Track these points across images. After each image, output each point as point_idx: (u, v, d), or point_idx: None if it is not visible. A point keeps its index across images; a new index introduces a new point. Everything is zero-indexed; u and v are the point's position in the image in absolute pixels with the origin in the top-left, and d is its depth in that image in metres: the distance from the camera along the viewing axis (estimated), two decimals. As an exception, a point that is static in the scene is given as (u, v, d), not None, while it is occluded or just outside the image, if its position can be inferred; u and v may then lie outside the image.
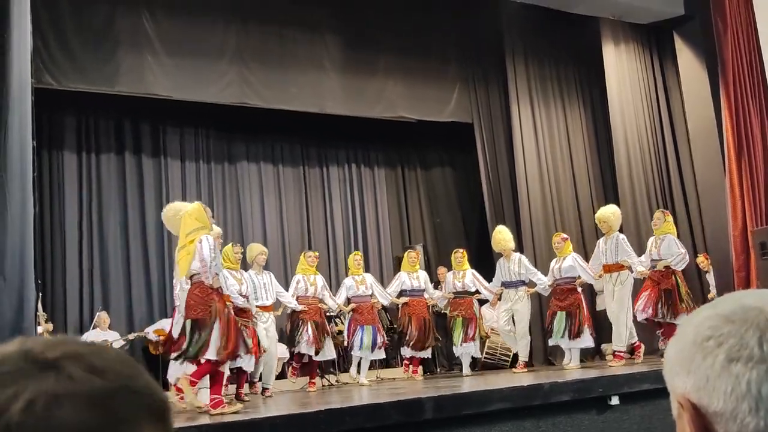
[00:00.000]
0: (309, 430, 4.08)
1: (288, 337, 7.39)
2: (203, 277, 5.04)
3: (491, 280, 8.14)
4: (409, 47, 9.61)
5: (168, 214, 5.64)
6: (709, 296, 8.80)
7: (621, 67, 9.92)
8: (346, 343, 7.84)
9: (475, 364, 8.53)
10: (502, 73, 9.99)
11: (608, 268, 7.37)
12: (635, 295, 7.33)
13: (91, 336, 8.17)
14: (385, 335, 8.11)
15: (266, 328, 6.91)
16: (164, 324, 8.57)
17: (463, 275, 8.11)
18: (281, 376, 7.86)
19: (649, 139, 10.00)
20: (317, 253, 8.07)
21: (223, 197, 9.86)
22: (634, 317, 7.30)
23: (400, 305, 8.25)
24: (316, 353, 7.38)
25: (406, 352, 8.12)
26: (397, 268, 10.69)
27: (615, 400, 4.98)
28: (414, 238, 10.97)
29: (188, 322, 5.04)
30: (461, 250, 8.38)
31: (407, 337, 7.94)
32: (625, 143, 9.78)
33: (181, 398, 5.51)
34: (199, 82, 8.45)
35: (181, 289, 5.49)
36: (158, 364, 8.07)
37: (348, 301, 7.90)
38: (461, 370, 8.19)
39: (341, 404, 4.72)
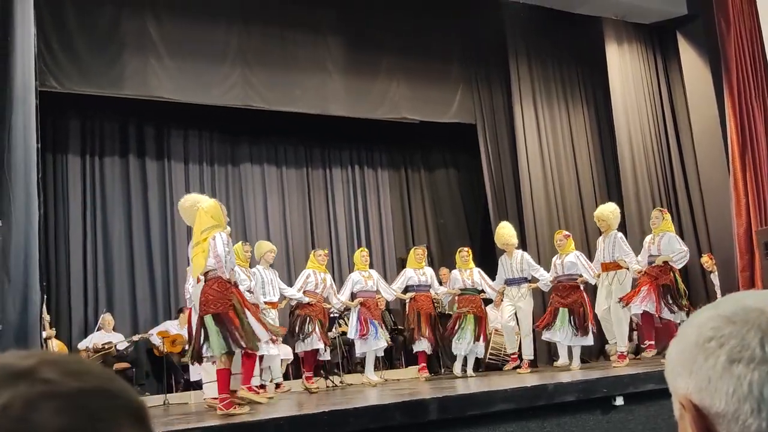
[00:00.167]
0: (313, 431, 4.08)
1: (296, 333, 7.34)
2: (219, 272, 5.05)
3: (494, 279, 8.15)
4: (411, 48, 9.61)
5: (185, 205, 5.66)
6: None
7: (624, 67, 9.91)
8: (362, 333, 7.65)
9: (478, 364, 8.52)
10: (505, 73, 9.99)
11: (605, 267, 7.35)
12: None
13: (95, 338, 8.19)
14: (387, 334, 8.10)
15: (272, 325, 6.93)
16: (168, 326, 8.59)
17: (471, 273, 8.11)
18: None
19: (653, 139, 9.99)
20: (327, 252, 8.08)
21: (226, 199, 9.86)
22: (635, 326, 7.27)
23: (407, 302, 8.18)
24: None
25: (424, 346, 7.97)
26: (400, 268, 10.69)
27: (619, 401, 4.97)
28: (417, 239, 10.97)
29: (208, 318, 5.01)
30: (466, 249, 8.37)
31: (419, 332, 7.85)
32: (628, 143, 9.77)
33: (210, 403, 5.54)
34: (203, 84, 8.47)
35: (193, 285, 5.48)
36: (162, 365, 8.09)
37: (353, 296, 7.88)
38: (463, 368, 8.13)
39: (345, 405, 4.72)
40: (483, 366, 8.69)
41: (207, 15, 8.53)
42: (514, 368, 7.86)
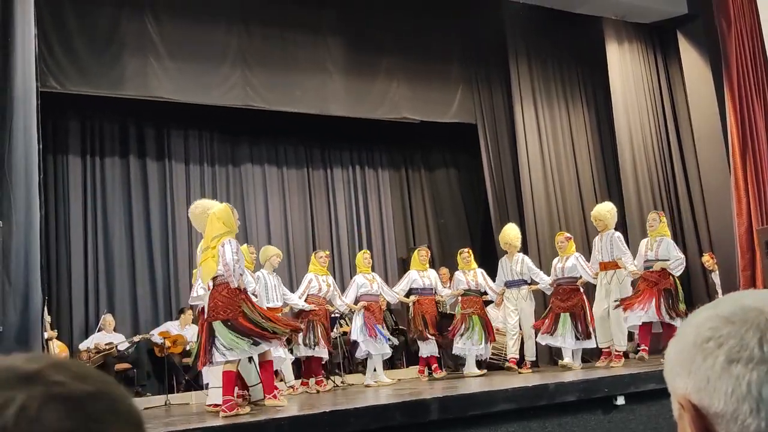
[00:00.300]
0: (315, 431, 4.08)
1: (303, 339, 7.33)
2: (228, 280, 5.06)
3: (494, 281, 8.15)
4: (411, 48, 9.61)
5: (195, 212, 5.67)
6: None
7: (624, 67, 9.91)
8: (372, 334, 7.65)
9: (480, 364, 8.50)
10: (505, 73, 9.98)
11: (604, 266, 7.32)
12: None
13: (96, 338, 8.19)
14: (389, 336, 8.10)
15: None
16: (169, 326, 8.59)
17: (474, 274, 8.09)
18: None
19: (654, 139, 9.98)
20: (328, 253, 8.08)
21: (227, 200, 9.83)
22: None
23: (410, 304, 8.15)
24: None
25: (430, 350, 7.93)
26: (401, 269, 10.70)
27: (621, 400, 4.97)
28: (418, 239, 10.97)
29: (217, 324, 5.00)
30: (467, 250, 8.35)
31: (425, 335, 7.83)
32: (629, 143, 9.77)
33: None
34: (203, 85, 8.47)
35: (202, 289, 5.49)
36: (163, 366, 8.10)
37: (356, 300, 7.87)
38: (462, 368, 8.12)
39: (346, 406, 4.72)
40: (484, 365, 8.67)
41: (207, 15, 8.53)
42: (508, 368, 7.82)
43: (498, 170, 9.97)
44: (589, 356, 8.07)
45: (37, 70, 5.80)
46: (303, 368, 7.65)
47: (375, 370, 7.80)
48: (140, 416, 0.60)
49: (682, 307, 6.84)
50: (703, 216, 9.61)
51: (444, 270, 9.27)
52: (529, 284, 7.94)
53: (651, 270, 7.00)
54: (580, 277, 7.54)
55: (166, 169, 9.50)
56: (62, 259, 8.72)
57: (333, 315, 8.06)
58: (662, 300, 6.81)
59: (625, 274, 7.20)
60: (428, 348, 7.93)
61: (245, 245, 6.93)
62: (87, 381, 0.57)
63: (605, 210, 7.48)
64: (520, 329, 7.96)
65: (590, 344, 7.51)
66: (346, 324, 8.77)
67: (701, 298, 8.90)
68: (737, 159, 8.59)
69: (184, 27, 8.42)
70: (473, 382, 6.95)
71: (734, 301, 0.72)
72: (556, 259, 7.82)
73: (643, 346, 6.93)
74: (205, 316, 5.15)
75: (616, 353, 7.22)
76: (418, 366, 8.28)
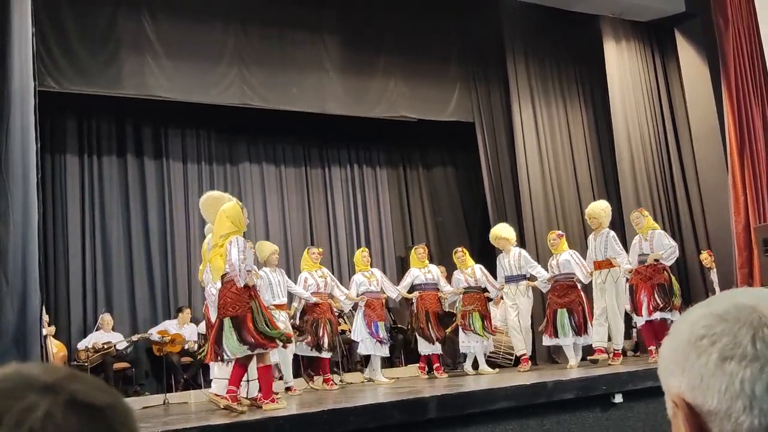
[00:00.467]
0: (313, 430, 4.08)
1: (313, 341, 7.32)
2: (234, 279, 5.07)
3: (496, 279, 8.15)
4: (409, 47, 9.61)
5: (207, 203, 5.70)
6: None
7: (622, 65, 9.91)
8: (378, 338, 7.66)
9: (476, 363, 8.51)
10: (503, 72, 9.98)
11: (598, 265, 7.28)
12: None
13: (94, 337, 8.19)
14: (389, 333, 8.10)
15: (284, 328, 6.92)
16: (167, 325, 8.59)
17: (472, 271, 8.08)
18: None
19: (651, 137, 9.99)
20: (321, 250, 8.07)
21: (225, 198, 9.86)
22: (635, 324, 7.24)
23: (413, 301, 8.13)
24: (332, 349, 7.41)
25: (428, 348, 7.92)
26: (400, 267, 10.71)
27: (619, 398, 4.98)
28: (416, 237, 10.98)
29: (227, 321, 5.04)
30: (461, 249, 8.34)
31: (431, 334, 7.82)
32: (626, 141, 9.77)
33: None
34: (200, 83, 8.46)
35: (213, 286, 5.51)
36: (162, 365, 8.10)
37: (358, 296, 7.87)
38: (460, 366, 8.12)
39: (345, 404, 4.73)
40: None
41: (204, 14, 8.52)
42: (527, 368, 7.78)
43: (496, 169, 9.97)
44: (586, 354, 8.07)
45: (34, 70, 5.80)
46: (306, 365, 7.64)
47: (374, 369, 7.81)
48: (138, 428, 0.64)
49: (677, 301, 6.83)
50: (700, 214, 9.62)
51: (441, 268, 9.26)
52: (528, 279, 7.93)
53: (645, 264, 6.99)
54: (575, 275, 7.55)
55: (163, 168, 9.50)
56: (60, 258, 8.72)
57: (339, 310, 8.02)
58: (656, 295, 6.80)
59: (619, 273, 7.18)
60: (430, 346, 7.92)
61: (249, 243, 6.92)
62: (106, 392, 0.61)
63: (600, 208, 7.46)
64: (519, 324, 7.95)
65: (588, 341, 7.50)
66: (345, 322, 8.78)
67: (699, 295, 8.90)
68: (734, 157, 8.61)
69: (181, 26, 8.41)
70: (471, 380, 6.96)
71: (728, 299, 0.72)
72: (551, 258, 7.83)
73: (651, 348, 6.93)
74: (217, 313, 5.20)
75: (615, 351, 7.22)
76: (417, 364, 8.28)
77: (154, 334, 8.38)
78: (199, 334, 8.65)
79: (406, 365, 9.20)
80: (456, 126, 10.20)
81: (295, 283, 7.56)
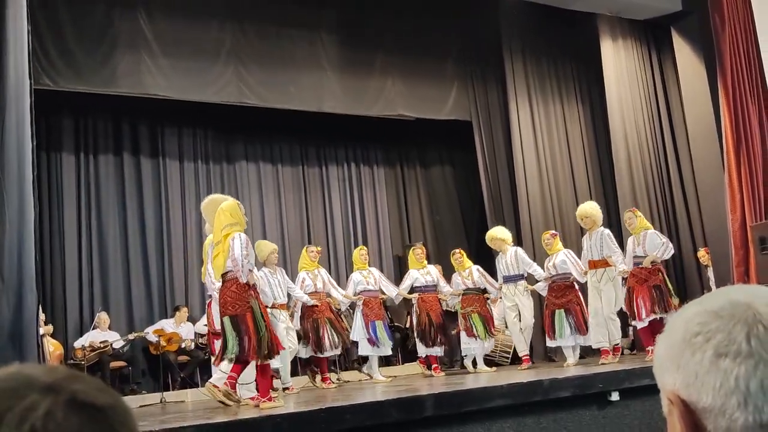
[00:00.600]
0: (310, 428, 4.09)
1: (313, 342, 7.32)
2: (237, 275, 5.05)
3: (496, 279, 8.15)
4: (407, 45, 9.60)
5: (208, 207, 5.69)
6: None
7: (619, 64, 9.92)
8: (372, 342, 7.67)
9: (474, 362, 8.51)
10: (500, 70, 9.98)
11: (594, 264, 7.27)
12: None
13: (91, 336, 8.18)
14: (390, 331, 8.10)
15: (286, 327, 6.92)
16: (164, 324, 8.59)
17: (470, 273, 8.08)
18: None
19: (648, 135, 10.00)
20: (319, 248, 8.06)
21: (222, 197, 9.84)
22: (634, 327, 7.22)
23: (413, 301, 8.13)
24: (336, 347, 7.42)
25: (426, 350, 7.92)
26: (397, 266, 10.71)
27: (615, 396, 4.98)
28: (414, 236, 10.98)
29: (227, 320, 5.04)
30: (458, 251, 8.32)
31: (431, 335, 7.81)
32: (624, 140, 9.78)
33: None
34: (197, 82, 8.44)
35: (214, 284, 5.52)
36: (158, 364, 8.09)
37: (355, 295, 7.87)
38: (457, 364, 8.12)
39: (342, 402, 4.73)
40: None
41: (201, 12, 8.51)
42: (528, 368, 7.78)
43: (493, 167, 9.97)
44: (584, 352, 8.08)
45: (30, 68, 5.78)
46: (305, 362, 7.63)
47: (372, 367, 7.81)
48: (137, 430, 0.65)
49: (674, 300, 6.84)
50: (697, 212, 9.63)
51: (438, 267, 9.27)
52: (526, 278, 7.93)
53: (641, 266, 7.00)
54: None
55: (160, 167, 9.48)
56: (56, 257, 8.70)
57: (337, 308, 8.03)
58: (652, 296, 6.80)
59: (615, 273, 7.18)
60: (428, 348, 7.92)
61: None
62: (107, 393, 0.62)
63: (593, 208, 7.46)
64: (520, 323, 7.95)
65: (587, 341, 7.49)
66: (343, 321, 8.77)
67: (695, 293, 8.91)
68: (731, 155, 8.62)
69: (177, 24, 8.39)
70: (468, 379, 6.96)
71: (722, 296, 0.72)
72: (547, 259, 7.83)
73: (650, 349, 6.92)
74: (219, 313, 5.21)
75: (615, 346, 7.22)
76: (414, 363, 8.27)
77: (150, 333, 8.37)
78: (196, 333, 8.65)
79: (403, 364, 9.21)
80: (453, 125, 10.20)
81: (293, 276, 7.56)
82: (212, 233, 5.58)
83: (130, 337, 8.31)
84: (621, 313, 7.35)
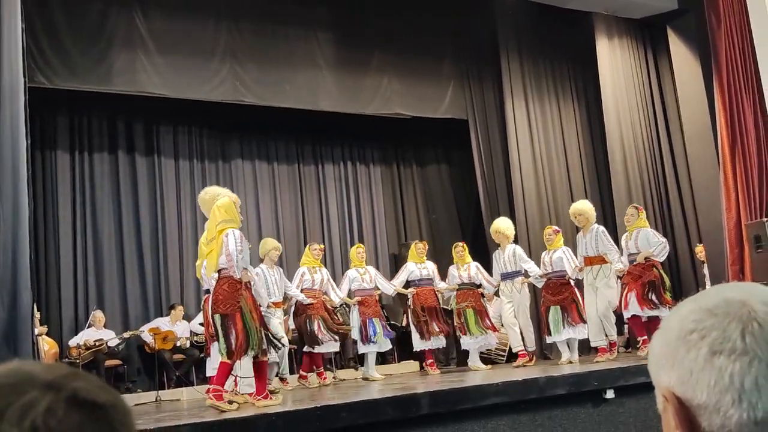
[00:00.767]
0: (305, 427, 4.08)
1: (307, 337, 7.33)
2: (230, 271, 5.05)
3: (491, 275, 8.16)
4: (403, 44, 9.60)
5: (205, 197, 5.69)
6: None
7: (615, 63, 9.94)
8: (365, 339, 7.67)
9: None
10: (496, 69, 9.98)
11: (589, 261, 7.28)
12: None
13: (86, 335, 8.16)
14: (389, 328, 8.09)
15: (280, 323, 6.92)
16: (159, 323, 8.57)
17: (468, 268, 8.10)
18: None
19: (644, 134, 10.02)
20: (323, 246, 8.07)
21: (217, 195, 9.82)
22: (621, 317, 7.24)
23: (409, 296, 8.14)
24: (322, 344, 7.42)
25: (422, 344, 7.92)
26: (393, 264, 10.71)
27: (610, 394, 5.00)
28: (410, 234, 10.98)
29: (217, 317, 5.05)
30: (461, 244, 8.36)
31: (427, 329, 7.82)
32: (619, 138, 9.80)
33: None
34: (192, 80, 8.42)
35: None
36: (154, 362, 8.08)
37: (350, 294, 7.87)
38: (458, 364, 8.13)
39: (338, 401, 4.73)
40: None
41: (196, 10, 8.49)
42: (524, 364, 7.78)
43: (489, 166, 9.98)
44: (579, 350, 8.09)
45: (24, 66, 5.77)
46: (302, 362, 7.64)
47: (364, 359, 7.82)
48: (135, 430, 0.65)
49: (668, 296, 6.85)
50: (692, 211, 9.66)
51: (435, 265, 9.27)
52: (523, 275, 7.94)
53: (635, 263, 7.01)
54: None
55: (155, 165, 9.46)
56: (51, 255, 8.68)
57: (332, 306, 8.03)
58: (645, 292, 6.81)
59: (611, 270, 7.19)
60: (425, 342, 7.92)
61: None
62: (107, 391, 0.62)
63: (587, 206, 7.47)
64: (516, 320, 7.95)
65: (581, 334, 7.49)
66: (339, 319, 8.76)
67: (690, 290, 8.93)
68: (726, 154, 8.64)
69: (173, 22, 8.37)
70: (464, 376, 6.97)
71: (717, 294, 0.72)
72: (544, 253, 7.83)
73: (642, 339, 6.94)
74: (211, 309, 5.20)
75: (611, 342, 7.24)
76: (410, 361, 8.28)
77: (145, 331, 8.36)
78: (191, 331, 8.64)
79: (399, 362, 9.21)
80: (450, 123, 10.21)
81: (290, 278, 7.56)
82: (207, 229, 5.57)
83: (126, 335, 8.29)
84: (616, 311, 7.37)
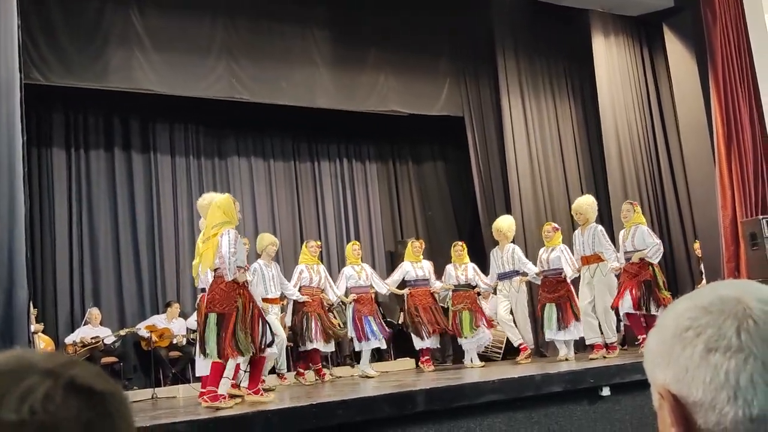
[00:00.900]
0: (302, 424, 4.09)
1: (298, 334, 7.33)
2: (223, 272, 5.04)
3: (487, 274, 8.16)
4: (399, 41, 9.59)
5: (203, 203, 5.72)
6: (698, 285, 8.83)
7: (611, 60, 9.94)
8: (359, 337, 7.68)
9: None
10: (492, 67, 9.98)
11: (586, 260, 7.27)
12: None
13: (82, 332, 8.15)
14: (385, 326, 8.10)
15: (277, 318, 6.93)
16: (156, 320, 8.56)
17: (465, 268, 8.09)
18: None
19: (640, 131, 10.04)
20: (320, 243, 8.07)
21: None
22: (617, 313, 7.25)
23: (405, 296, 8.13)
24: (327, 341, 7.43)
25: (421, 343, 7.93)
26: (389, 262, 10.71)
27: (606, 391, 5.01)
28: (406, 232, 10.98)
29: (212, 316, 5.02)
30: (461, 243, 8.34)
31: (420, 328, 7.84)
32: (615, 136, 9.81)
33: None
34: (189, 77, 8.40)
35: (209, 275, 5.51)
36: (150, 359, 8.07)
37: (347, 292, 7.87)
38: (454, 361, 8.14)
39: (334, 398, 4.73)
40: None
41: (192, 7, 8.47)
42: (527, 357, 7.76)
43: (485, 163, 9.98)
44: (575, 347, 8.11)
45: (20, 62, 5.74)
46: (299, 358, 7.64)
47: (359, 356, 7.82)
48: (133, 420, 0.66)
49: (664, 294, 6.85)
50: (687, 208, 9.68)
51: (431, 263, 9.27)
52: (521, 275, 7.95)
53: (631, 262, 7.02)
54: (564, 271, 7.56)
55: (151, 162, 9.44)
56: (47, 252, 8.66)
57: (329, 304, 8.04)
58: (640, 291, 6.81)
59: (608, 268, 7.20)
60: (422, 341, 7.92)
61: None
62: (106, 379, 0.63)
63: (586, 204, 7.46)
64: (513, 319, 7.96)
65: (576, 335, 7.51)
66: (335, 317, 8.76)
67: (686, 288, 8.96)
68: (722, 151, 8.66)
69: (169, 19, 8.34)
70: (460, 374, 6.98)
71: (713, 291, 0.72)
72: (542, 250, 7.83)
73: (641, 338, 6.93)
74: (205, 308, 5.19)
75: (610, 345, 7.24)
76: (406, 358, 8.28)
77: (142, 328, 8.35)
78: (188, 328, 8.63)
79: (395, 359, 9.22)
80: (446, 121, 10.21)
81: (286, 275, 7.56)
82: (204, 228, 5.57)
83: (122, 332, 8.28)
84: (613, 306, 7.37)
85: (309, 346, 7.34)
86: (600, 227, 7.37)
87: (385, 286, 8.09)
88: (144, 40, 8.11)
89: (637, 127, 10.02)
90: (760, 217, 8.12)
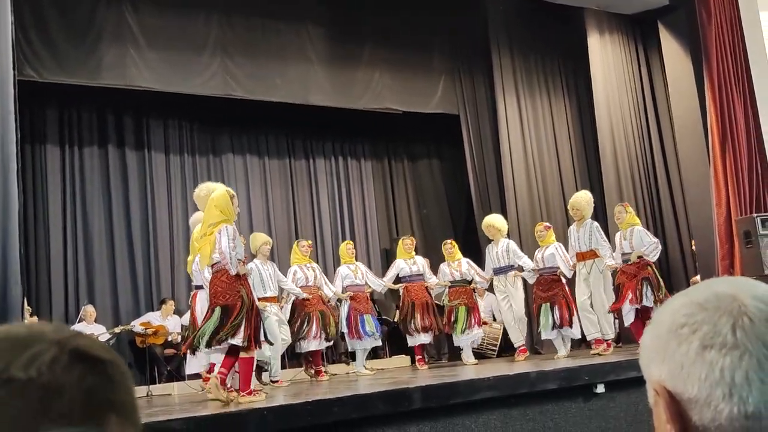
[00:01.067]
0: (297, 421, 4.08)
1: (296, 333, 7.33)
2: (226, 267, 5.07)
3: (483, 270, 8.17)
4: (394, 39, 9.58)
5: (200, 194, 5.72)
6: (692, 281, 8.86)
7: (606, 58, 9.95)
8: (352, 335, 7.68)
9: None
10: (487, 64, 9.98)
11: (582, 256, 7.29)
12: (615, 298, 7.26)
13: (77, 330, 8.12)
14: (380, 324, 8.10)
15: (278, 320, 6.90)
16: (150, 317, 8.55)
17: (459, 264, 8.10)
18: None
19: (634, 130, 10.05)
20: (310, 243, 8.06)
21: (209, 190, 9.78)
22: (623, 321, 7.26)
23: (401, 293, 8.12)
24: (328, 340, 7.44)
25: (412, 340, 7.95)
26: (384, 259, 10.72)
27: (601, 388, 5.02)
28: (401, 230, 10.98)
29: (217, 309, 5.04)
30: (450, 241, 8.36)
31: (413, 325, 7.82)
32: (610, 134, 9.83)
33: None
34: (183, 74, 8.38)
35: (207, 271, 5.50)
36: (145, 357, 8.06)
37: (343, 290, 7.87)
38: (450, 359, 8.15)
39: (329, 395, 4.73)
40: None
41: (187, 3, 8.44)
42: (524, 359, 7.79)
43: (480, 161, 9.99)
44: (575, 343, 8.12)
45: (14, 59, 5.71)
46: (306, 359, 7.63)
47: (354, 355, 7.82)
48: (134, 389, 0.70)
49: (662, 293, 6.87)
50: (682, 206, 9.70)
51: (426, 260, 9.28)
52: (516, 269, 7.95)
53: (629, 263, 7.03)
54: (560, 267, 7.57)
55: (145, 159, 9.42)
56: (41, 250, 8.63)
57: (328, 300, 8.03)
58: (640, 289, 6.83)
59: (603, 264, 7.21)
60: (416, 338, 7.92)
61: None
62: (109, 351, 0.68)
63: (583, 200, 7.48)
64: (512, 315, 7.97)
65: (573, 333, 7.52)
66: (336, 308, 8.76)
67: (680, 285, 8.98)
68: (717, 150, 8.67)
69: (163, 16, 8.32)
70: (455, 371, 6.98)
71: (708, 288, 0.72)
72: (537, 250, 7.85)
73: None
74: (209, 303, 5.21)
75: (607, 341, 7.25)
76: (402, 356, 8.28)
77: (136, 326, 8.33)
78: (182, 326, 8.62)
79: (390, 356, 9.22)
80: (441, 119, 10.21)
81: (287, 272, 7.55)
82: (200, 224, 5.55)
83: (116, 330, 8.26)
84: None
85: (307, 348, 7.32)
86: (596, 223, 7.39)
87: (380, 284, 8.10)
88: (138, 36, 8.09)
89: (632, 126, 10.03)
90: (755, 215, 8.14)
